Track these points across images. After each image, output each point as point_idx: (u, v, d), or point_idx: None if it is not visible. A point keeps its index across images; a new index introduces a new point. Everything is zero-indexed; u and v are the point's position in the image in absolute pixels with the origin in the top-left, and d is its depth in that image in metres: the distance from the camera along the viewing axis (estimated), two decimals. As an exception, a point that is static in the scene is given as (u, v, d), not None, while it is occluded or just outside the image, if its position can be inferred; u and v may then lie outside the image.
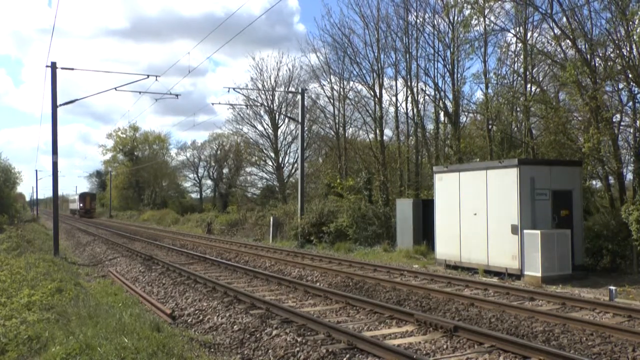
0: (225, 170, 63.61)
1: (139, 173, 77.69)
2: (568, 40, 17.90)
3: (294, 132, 42.12)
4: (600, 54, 17.65)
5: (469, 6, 19.23)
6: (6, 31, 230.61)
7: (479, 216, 15.56)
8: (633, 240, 14.51)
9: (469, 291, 12.55)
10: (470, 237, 15.88)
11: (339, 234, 24.28)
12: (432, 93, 26.21)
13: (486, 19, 20.88)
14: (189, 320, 10.38)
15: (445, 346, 7.95)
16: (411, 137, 28.10)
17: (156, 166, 76.41)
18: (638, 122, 17.36)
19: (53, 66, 21.70)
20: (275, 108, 43.17)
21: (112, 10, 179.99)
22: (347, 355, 7.48)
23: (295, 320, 9.45)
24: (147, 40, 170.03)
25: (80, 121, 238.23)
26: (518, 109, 22.70)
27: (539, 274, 13.59)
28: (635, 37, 16.16)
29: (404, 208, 20.98)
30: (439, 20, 25.18)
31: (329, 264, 18.09)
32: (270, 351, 8.04)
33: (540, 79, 22.21)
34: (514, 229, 14.46)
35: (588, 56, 17.34)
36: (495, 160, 18.43)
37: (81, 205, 76.32)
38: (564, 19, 17.85)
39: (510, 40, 22.48)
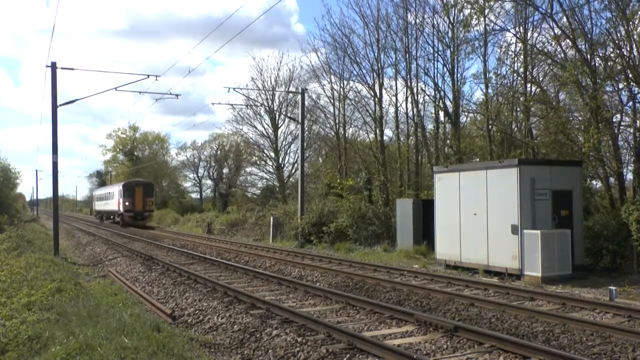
0: (225, 170, 63.62)
1: (139, 173, 77.61)
2: (568, 40, 17.92)
3: (294, 132, 42.10)
4: (600, 54, 17.66)
5: (469, 6, 19.27)
6: (5, 32, 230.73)
7: (479, 216, 15.55)
8: (633, 240, 14.52)
9: (469, 291, 12.55)
10: (470, 237, 15.88)
11: (339, 234, 24.27)
12: (432, 93, 26.24)
13: (486, 18, 20.90)
14: (189, 320, 10.37)
15: (445, 346, 7.95)
16: (411, 137, 28.10)
17: (156, 166, 76.34)
18: (638, 122, 17.37)
19: (53, 66, 21.69)
20: (275, 108, 43.19)
21: (110, 10, 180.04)
22: (347, 355, 7.48)
23: (296, 320, 9.45)
24: (146, 41, 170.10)
25: (80, 121, 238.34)
26: (518, 109, 22.73)
27: (539, 274, 13.58)
28: (635, 37, 16.17)
29: (404, 208, 20.98)
30: (439, 20, 25.20)
31: (329, 264, 18.08)
32: (270, 351, 8.04)
33: (540, 79, 22.23)
34: (514, 229, 14.46)
35: (588, 56, 17.34)
36: (495, 160, 18.43)
37: (126, 203, 44.21)
38: (564, 19, 17.88)
39: (510, 40, 22.52)
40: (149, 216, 46.00)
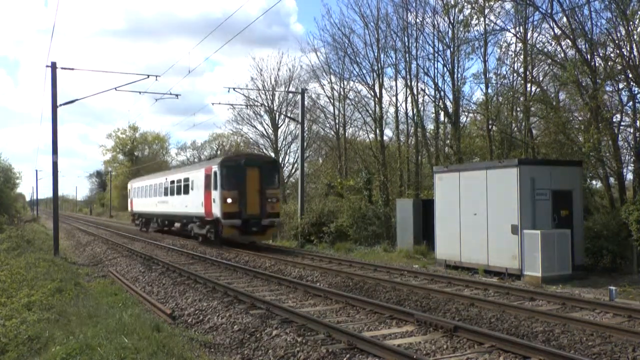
0: (225, 170, 63.53)
1: (139, 173, 77.73)
2: (568, 40, 17.92)
3: (294, 132, 42.11)
4: (601, 54, 17.66)
5: (469, 6, 19.28)
6: (4, 32, 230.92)
7: (479, 216, 15.55)
8: (633, 240, 14.52)
9: (469, 291, 12.55)
10: (470, 237, 15.87)
11: (339, 234, 24.27)
12: (432, 93, 26.24)
13: (486, 18, 20.91)
14: (189, 320, 10.37)
15: (445, 346, 7.95)
16: (411, 137, 28.10)
17: (156, 166, 76.45)
18: (638, 122, 17.37)
19: (53, 66, 21.68)
20: (275, 108, 43.18)
21: (110, 10, 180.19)
22: (347, 355, 7.48)
23: (296, 320, 9.45)
24: (145, 40, 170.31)
25: (80, 121, 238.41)
26: (518, 109, 22.72)
27: (539, 274, 13.58)
28: (635, 37, 16.18)
29: (404, 208, 20.98)
30: (439, 20, 25.20)
31: (329, 264, 18.08)
32: (270, 351, 8.04)
33: (540, 79, 22.22)
34: (514, 229, 14.46)
35: (588, 56, 17.34)
36: (495, 160, 18.44)
37: (228, 200, 22.26)
38: (564, 19, 17.89)
39: (510, 40, 22.52)
40: (272, 226, 23.68)
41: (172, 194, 29.41)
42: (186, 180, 27.09)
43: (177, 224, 29.33)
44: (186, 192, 26.90)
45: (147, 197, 35.30)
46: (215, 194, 22.82)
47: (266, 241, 25.25)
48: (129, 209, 41.98)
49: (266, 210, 22.92)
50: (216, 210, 22.77)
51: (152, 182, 34.36)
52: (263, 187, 22.99)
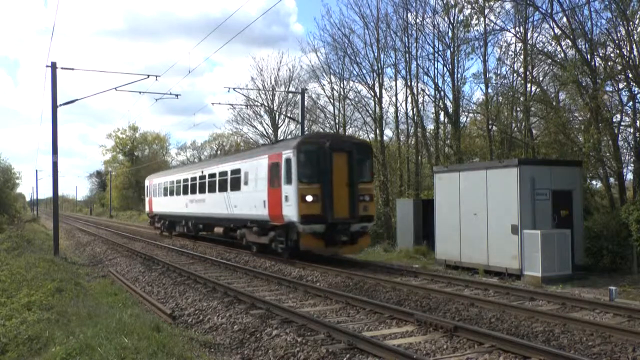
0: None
1: (139, 173, 77.70)
2: (568, 40, 17.94)
3: (294, 132, 42.06)
4: (601, 54, 17.67)
5: (469, 6, 19.29)
6: (4, 32, 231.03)
7: (479, 216, 15.55)
8: (633, 240, 14.53)
9: (469, 291, 12.55)
10: (470, 237, 15.87)
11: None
12: (432, 93, 26.23)
13: (486, 18, 20.92)
14: (189, 320, 10.38)
15: (445, 346, 7.95)
16: (411, 137, 28.10)
17: (156, 166, 76.41)
18: (638, 122, 17.38)
19: (53, 66, 21.68)
20: (275, 108, 43.15)
21: (109, 10, 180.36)
22: (347, 355, 7.48)
23: (296, 320, 9.46)
24: (144, 40, 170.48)
25: (80, 121, 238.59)
26: (518, 109, 22.73)
27: (539, 274, 13.58)
28: (635, 37, 16.20)
29: (404, 208, 20.99)
30: (439, 20, 25.18)
31: (329, 264, 18.05)
32: (270, 351, 8.04)
33: (540, 79, 22.23)
34: (514, 229, 14.46)
35: (588, 56, 17.36)
36: (495, 160, 18.44)
37: (307, 198, 16.43)
38: (564, 19, 17.92)
39: (510, 40, 22.54)
40: (364, 233, 17.81)
41: (211, 190, 23.58)
42: (236, 172, 20.98)
43: (217, 229, 23.39)
44: (235, 187, 20.91)
45: (172, 195, 29.51)
46: (289, 190, 16.94)
47: (356, 254, 19.14)
48: (147, 209, 36.74)
49: (357, 212, 17.12)
50: (289, 212, 16.92)
51: (181, 177, 28.10)
52: (354, 179, 17.16)
